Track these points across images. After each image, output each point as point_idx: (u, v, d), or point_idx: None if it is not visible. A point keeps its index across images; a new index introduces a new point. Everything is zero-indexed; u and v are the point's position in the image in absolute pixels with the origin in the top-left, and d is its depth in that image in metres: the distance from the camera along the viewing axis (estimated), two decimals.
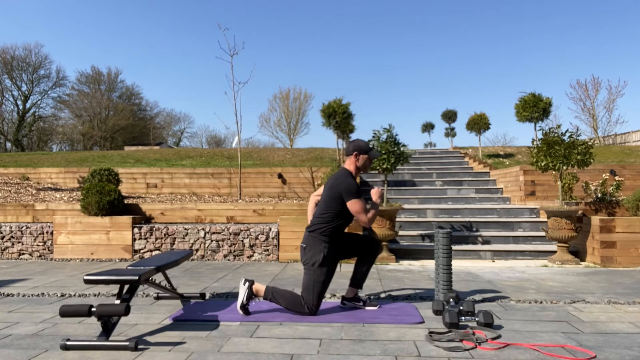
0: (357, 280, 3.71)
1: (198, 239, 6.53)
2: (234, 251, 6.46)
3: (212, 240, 6.51)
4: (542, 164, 6.41)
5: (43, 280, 4.95)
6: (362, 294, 4.20)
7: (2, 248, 6.78)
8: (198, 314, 3.54)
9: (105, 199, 6.76)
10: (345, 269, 5.59)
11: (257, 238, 6.44)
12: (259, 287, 3.57)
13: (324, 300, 4.01)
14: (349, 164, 3.65)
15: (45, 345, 2.84)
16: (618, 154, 13.49)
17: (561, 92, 56.48)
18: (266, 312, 3.57)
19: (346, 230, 5.45)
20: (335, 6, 64.81)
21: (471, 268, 5.73)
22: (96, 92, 42.00)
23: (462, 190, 9.22)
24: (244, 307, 3.49)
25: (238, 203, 7.65)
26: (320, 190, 3.83)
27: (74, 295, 4.24)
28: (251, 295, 3.52)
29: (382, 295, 4.20)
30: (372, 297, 4.12)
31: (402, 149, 6.37)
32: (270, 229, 6.43)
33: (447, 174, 10.46)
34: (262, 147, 27.28)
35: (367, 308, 3.66)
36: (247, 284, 3.53)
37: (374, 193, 3.64)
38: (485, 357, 2.62)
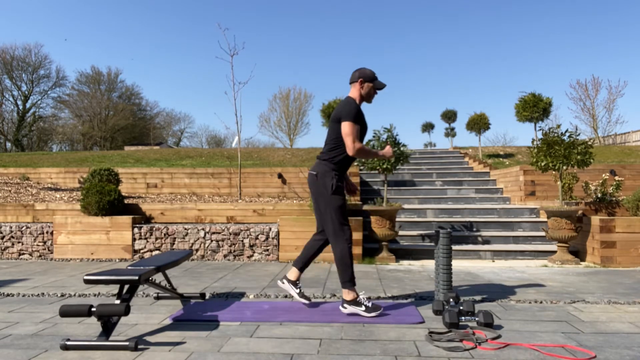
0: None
1: (198, 239, 6.53)
2: (234, 251, 6.46)
3: (212, 240, 6.50)
4: (542, 164, 6.42)
5: (43, 280, 4.95)
6: (362, 294, 4.20)
7: (2, 248, 6.78)
8: (198, 314, 3.54)
9: (105, 199, 6.76)
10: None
11: (257, 238, 6.44)
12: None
13: (324, 299, 4.01)
14: (353, 92, 3.61)
15: (45, 345, 2.84)
16: (618, 154, 13.49)
17: (561, 92, 56.56)
18: (266, 312, 3.57)
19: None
20: (336, 6, 64.82)
21: (471, 268, 5.73)
22: (96, 92, 42.02)
23: (462, 190, 9.22)
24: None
25: (238, 203, 7.65)
26: None
27: (74, 295, 4.24)
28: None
29: (382, 295, 4.20)
30: (372, 297, 4.12)
31: (402, 148, 6.38)
32: (270, 229, 6.43)
33: (447, 174, 10.46)
34: (262, 147, 27.28)
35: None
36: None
37: (387, 150, 3.69)
38: (485, 357, 2.62)
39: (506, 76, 64.19)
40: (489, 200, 8.70)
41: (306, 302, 3.75)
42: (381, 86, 3.64)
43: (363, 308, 3.45)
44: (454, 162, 12.16)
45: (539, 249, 6.48)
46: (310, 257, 3.76)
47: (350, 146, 3.41)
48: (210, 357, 2.63)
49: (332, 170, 3.51)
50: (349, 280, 3.48)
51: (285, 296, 4.14)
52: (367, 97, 3.63)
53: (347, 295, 3.50)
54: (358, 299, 3.48)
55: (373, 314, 3.43)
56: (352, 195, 3.84)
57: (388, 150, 3.70)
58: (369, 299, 3.92)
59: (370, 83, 3.60)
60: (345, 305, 3.51)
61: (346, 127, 3.41)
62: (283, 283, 3.77)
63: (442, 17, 63.19)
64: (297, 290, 3.72)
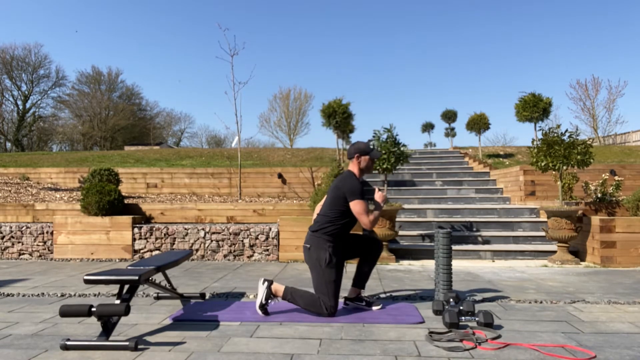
0: (359, 280, 3.74)
1: (198, 239, 6.53)
2: (234, 251, 6.46)
3: (212, 240, 6.51)
4: (542, 164, 6.41)
5: (43, 280, 4.95)
6: (364, 294, 4.20)
7: (2, 248, 6.78)
8: (198, 314, 3.54)
9: (105, 199, 6.76)
10: (350, 269, 5.60)
11: (257, 238, 6.44)
12: (278, 287, 3.58)
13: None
14: (353, 167, 3.69)
15: (45, 345, 2.84)
16: (618, 154, 13.50)
17: (561, 92, 56.55)
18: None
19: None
20: (336, 6, 64.83)
21: (471, 268, 5.73)
22: (96, 92, 42.02)
23: (462, 190, 9.22)
24: (263, 307, 3.50)
25: (238, 203, 7.65)
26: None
27: (74, 295, 4.24)
28: (270, 294, 3.52)
29: (382, 295, 4.19)
30: (372, 297, 4.12)
31: (402, 149, 6.38)
32: (270, 229, 6.43)
33: (447, 174, 10.46)
34: (262, 147, 27.29)
35: (373, 308, 3.67)
36: (266, 283, 3.54)
37: (379, 197, 3.68)
38: (485, 357, 2.62)
39: (506, 76, 64.21)
40: (489, 200, 8.70)
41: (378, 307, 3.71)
42: (378, 156, 3.73)
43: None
44: (454, 162, 12.16)
45: (539, 249, 6.48)
46: (367, 272, 3.77)
47: (366, 223, 3.46)
48: (210, 357, 2.63)
49: (326, 242, 3.51)
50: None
51: None
52: (367, 169, 3.73)
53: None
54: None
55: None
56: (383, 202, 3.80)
57: (379, 196, 3.68)
58: (372, 298, 3.92)
59: (367, 156, 3.69)
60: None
61: (357, 206, 3.47)
62: (347, 305, 3.76)
63: (442, 17, 63.20)
64: (363, 303, 3.72)
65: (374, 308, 3.68)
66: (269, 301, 3.51)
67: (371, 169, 3.76)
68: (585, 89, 26.87)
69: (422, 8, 63.15)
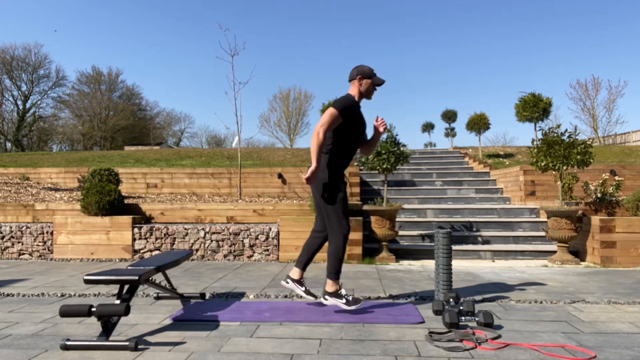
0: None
1: (198, 239, 6.53)
2: (234, 251, 6.46)
3: (212, 240, 6.51)
4: (542, 164, 6.42)
5: (43, 280, 4.95)
6: (363, 294, 4.20)
7: (2, 248, 6.78)
8: (198, 314, 3.54)
9: (105, 199, 6.76)
10: (346, 269, 5.59)
11: (257, 238, 6.44)
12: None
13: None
14: (352, 89, 3.63)
15: (45, 345, 2.84)
16: (618, 154, 13.49)
17: (561, 92, 56.59)
18: (266, 312, 3.57)
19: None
20: (336, 7, 64.82)
21: (471, 268, 5.73)
22: (96, 92, 42.04)
23: (462, 190, 9.22)
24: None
25: (238, 203, 7.65)
26: None
27: (74, 295, 4.24)
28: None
29: (382, 295, 4.20)
30: (372, 297, 4.12)
31: (402, 148, 6.38)
32: (270, 229, 6.43)
33: (447, 174, 10.46)
34: (262, 147, 27.28)
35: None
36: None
37: (380, 125, 3.69)
38: (485, 357, 2.62)
39: (506, 76, 64.23)
40: (489, 200, 8.70)
41: (312, 299, 3.75)
42: (380, 82, 3.63)
43: (344, 300, 3.50)
44: (454, 162, 12.16)
45: (539, 249, 6.48)
46: (312, 255, 3.76)
47: (316, 126, 3.41)
48: (210, 357, 2.63)
49: (331, 162, 3.53)
50: (335, 272, 3.53)
51: (286, 296, 4.14)
52: (367, 94, 3.64)
53: (331, 286, 3.54)
54: (339, 292, 3.53)
55: (353, 307, 3.47)
56: (381, 133, 3.74)
57: (308, 172, 3.55)
58: (352, 295, 3.90)
59: (369, 79, 3.60)
60: (326, 297, 3.55)
61: (328, 112, 3.43)
62: (287, 283, 3.76)
63: (442, 17, 63.21)
64: (303, 288, 3.71)
65: (307, 296, 3.71)
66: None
67: (371, 94, 3.66)
68: (585, 89, 26.89)
69: (423, 8, 63.17)
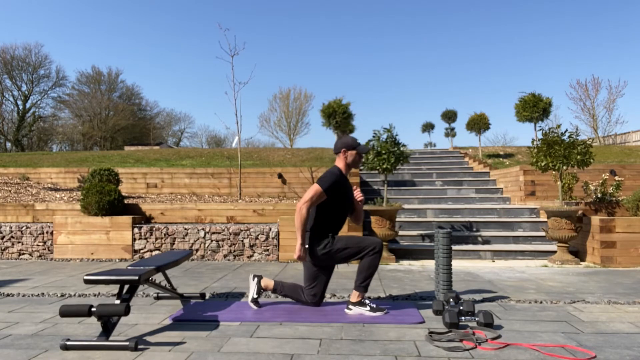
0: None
1: (198, 239, 6.53)
2: (234, 251, 6.46)
3: (212, 240, 6.51)
4: (542, 164, 6.41)
5: (43, 280, 4.95)
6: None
7: (2, 248, 6.78)
8: (198, 314, 3.54)
9: (105, 199, 6.76)
10: (345, 269, 5.60)
11: (257, 238, 6.44)
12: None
13: (323, 300, 4.01)
14: (339, 162, 3.70)
15: (45, 345, 2.84)
16: (618, 154, 13.49)
17: (561, 92, 56.53)
18: (266, 312, 3.57)
19: (350, 233, 5.44)
20: (336, 6, 64.83)
21: (471, 268, 5.73)
22: (96, 92, 42.02)
23: (462, 190, 9.22)
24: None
25: (238, 203, 7.65)
26: None
27: (74, 295, 4.24)
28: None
29: (382, 295, 4.19)
30: (372, 297, 4.12)
31: (402, 149, 6.38)
32: (270, 229, 6.43)
33: (447, 174, 10.46)
34: (262, 147, 27.28)
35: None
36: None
37: (357, 194, 3.75)
38: (485, 357, 2.62)
39: (506, 76, 64.21)
40: (489, 200, 8.70)
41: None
42: (365, 151, 3.71)
43: (368, 308, 3.51)
44: (454, 162, 12.16)
45: (539, 249, 6.48)
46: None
47: (300, 202, 3.44)
48: (210, 357, 2.63)
49: (314, 238, 3.55)
50: (366, 286, 3.54)
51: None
52: (354, 164, 3.72)
53: (357, 297, 3.54)
54: (363, 300, 3.56)
55: (378, 314, 3.48)
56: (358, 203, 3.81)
57: (300, 256, 3.52)
58: (376, 304, 3.89)
59: (354, 151, 3.68)
60: (350, 307, 3.55)
61: (312, 188, 3.49)
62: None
63: (442, 16, 63.21)
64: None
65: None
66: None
67: (358, 163, 3.74)
68: (585, 89, 26.88)
69: (423, 8, 63.16)
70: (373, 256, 3.50)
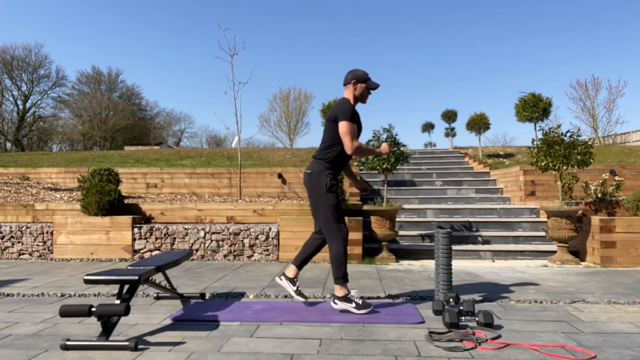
0: (302, 262, 3.76)
1: (198, 239, 6.53)
2: (234, 251, 6.46)
3: (212, 240, 6.50)
4: (542, 164, 6.41)
5: (43, 280, 4.95)
6: (363, 294, 4.20)
7: (2, 248, 6.78)
8: (198, 314, 3.54)
9: (105, 199, 6.76)
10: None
11: (257, 238, 6.44)
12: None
13: (324, 299, 4.01)
14: (347, 93, 3.66)
15: (45, 345, 2.84)
16: (618, 154, 13.49)
17: (561, 92, 56.54)
18: (266, 312, 3.57)
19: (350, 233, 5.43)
20: (336, 6, 64.82)
21: (471, 268, 5.73)
22: (96, 92, 42.02)
23: (462, 190, 9.22)
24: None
25: (238, 203, 7.65)
26: None
27: (74, 295, 4.24)
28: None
29: (382, 295, 4.19)
30: (372, 297, 4.12)
31: (402, 148, 6.37)
32: (270, 229, 6.43)
33: (447, 174, 10.46)
34: (262, 147, 27.27)
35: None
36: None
37: (384, 147, 3.76)
38: (485, 357, 2.62)
39: (506, 76, 64.24)
40: (489, 200, 8.70)
41: (302, 300, 3.74)
42: (374, 86, 3.67)
43: (353, 305, 3.51)
44: (454, 162, 12.16)
45: (539, 249, 6.48)
46: (309, 256, 3.77)
47: (348, 145, 3.47)
48: (210, 357, 2.63)
49: (326, 169, 3.56)
50: (341, 277, 3.54)
51: (285, 296, 4.14)
52: (361, 98, 3.68)
53: (339, 291, 3.56)
54: (349, 296, 3.55)
55: (363, 311, 3.48)
56: (364, 193, 3.85)
57: (385, 147, 3.76)
58: (361, 298, 3.92)
59: (363, 84, 3.64)
60: (336, 301, 3.58)
61: (343, 127, 3.47)
62: (281, 280, 3.77)
63: (442, 16, 63.22)
64: (294, 288, 3.72)
65: (299, 298, 3.71)
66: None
67: (366, 98, 3.70)
68: (585, 89, 26.88)
69: (423, 8, 63.16)
70: (341, 244, 3.50)
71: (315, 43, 66.70)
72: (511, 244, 6.77)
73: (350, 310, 3.51)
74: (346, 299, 3.53)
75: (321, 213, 3.55)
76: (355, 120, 3.55)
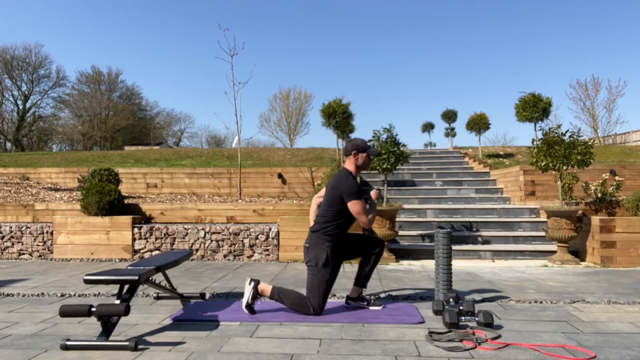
0: (361, 279, 3.73)
1: (198, 239, 6.53)
2: (234, 251, 6.46)
3: (212, 240, 6.50)
4: (542, 164, 6.41)
5: (43, 280, 4.95)
6: (365, 292, 4.20)
7: (2, 248, 6.78)
8: (198, 314, 3.54)
9: (105, 199, 6.76)
10: (348, 269, 5.60)
11: (257, 238, 6.44)
12: (265, 287, 3.59)
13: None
14: (349, 164, 3.67)
15: (45, 345, 2.84)
16: (618, 154, 13.49)
17: (561, 92, 56.52)
18: (266, 312, 3.57)
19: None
20: (336, 6, 64.82)
21: (471, 268, 5.73)
22: (96, 92, 42.02)
23: (462, 190, 9.22)
24: (249, 307, 3.52)
25: (238, 203, 7.65)
26: (322, 192, 3.86)
27: (74, 295, 4.24)
28: (256, 294, 3.55)
29: (382, 295, 4.19)
30: (372, 297, 4.12)
31: (401, 148, 6.37)
32: (270, 229, 6.43)
33: (447, 174, 10.46)
34: (262, 147, 27.26)
35: (370, 308, 3.68)
36: (252, 283, 3.56)
37: (373, 194, 3.73)
38: (485, 357, 2.62)
39: (506, 76, 64.20)
40: (489, 200, 8.70)
41: (378, 308, 3.69)
42: (375, 153, 3.71)
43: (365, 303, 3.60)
44: (454, 162, 12.16)
45: (539, 249, 6.48)
46: (366, 271, 3.73)
47: (364, 222, 3.47)
48: (210, 357, 2.63)
49: (325, 242, 3.51)
50: (294, 309, 3.52)
51: None
52: (363, 167, 3.71)
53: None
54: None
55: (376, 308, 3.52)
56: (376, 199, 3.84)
57: (374, 193, 3.75)
58: (372, 298, 3.91)
59: (364, 153, 3.67)
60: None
61: (356, 207, 3.46)
62: (348, 304, 3.75)
63: (442, 16, 63.20)
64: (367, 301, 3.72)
65: (372, 307, 3.68)
66: (255, 301, 3.55)
67: (368, 166, 3.73)
68: (585, 89, 26.87)
69: (422, 8, 63.15)
70: (310, 311, 3.46)
71: (316, 43, 66.71)
72: (511, 244, 6.77)
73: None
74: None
75: (313, 282, 3.49)
76: (361, 193, 3.54)
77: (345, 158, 3.71)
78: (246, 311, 3.52)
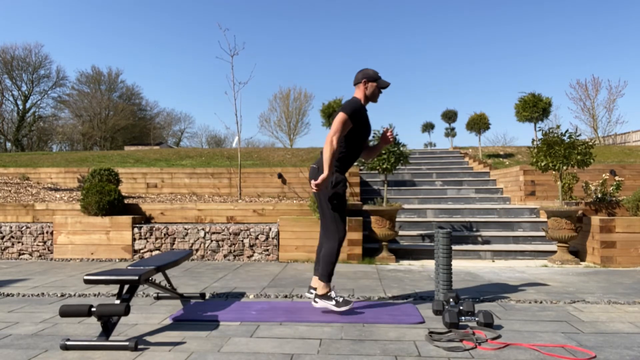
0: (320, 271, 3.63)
1: (198, 239, 6.53)
2: (234, 251, 6.46)
3: (212, 240, 6.50)
4: (542, 164, 6.41)
5: (43, 280, 4.95)
6: (363, 294, 4.20)
7: (2, 248, 6.77)
8: (198, 314, 3.54)
9: (105, 199, 6.76)
10: (348, 269, 5.60)
11: (257, 238, 6.44)
12: (314, 282, 3.63)
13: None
14: (358, 93, 3.61)
15: (45, 345, 2.84)
16: (618, 154, 13.49)
17: (561, 92, 56.54)
18: (266, 312, 3.57)
19: (350, 232, 5.41)
20: (336, 6, 64.84)
21: (471, 268, 5.73)
22: (96, 92, 42.03)
23: (462, 190, 9.22)
24: (344, 302, 3.47)
25: (238, 203, 7.65)
26: None
27: (74, 295, 4.24)
28: (329, 291, 3.53)
29: (382, 295, 4.19)
30: (372, 297, 4.12)
31: (402, 148, 6.37)
32: (270, 229, 6.43)
33: (447, 174, 10.46)
34: (262, 147, 27.25)
35: (338, 309, 3.49)
36: (312, 292, 3.59)
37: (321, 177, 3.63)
38: (485, 357, 2.62)
39: (506, 76, 64.25)
40: (489, 200, 8.70)
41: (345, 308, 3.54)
42: (385, 85, 3.63)
43: (333, 302, 3.48)
44: (454, 162, 12.16)
45: (539, 249, 6.48)
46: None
47: (329, 136, 3.36)
48: (210, 357, 2.63)
49: (333, 165, 3.50)
50: (327, 275, 3.50)
51: (285, 296, 4.14)
52: (372, 97, 3.63)
53: (321, 289, 3.52)
54: (329, 294, 3.51)
55: (343, 308, 3.45)
56: (387, 143, 3.76)
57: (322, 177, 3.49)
58: (342, 297, 3.84)
59: (374, 82, 3.60)
60: (316, 299, 3.54)
61: (337, 117, 3.42)
62: (312, 297, 3.64)
63: (442, 17, 63.22)
64: (334, 300, 3.58)
65: (316, 304, 3.54)
66: (333, 291, 3.52)
67: (377, 97, 3.65)
68: (585, 89, 26.86)
69: (422, 9, 63.16)
70: (336, 244, 3.46)
71: (316, 43, 66.73)
72: (511, 244, 6.77)
73: (330, 308, 3.48)
74: (326, 296, 3.50)
75: (324, 209, 3.50)
76: (357, 118, 3.47)
77: (355, 87, 3.64)
78: (345, 307, 3.43)
